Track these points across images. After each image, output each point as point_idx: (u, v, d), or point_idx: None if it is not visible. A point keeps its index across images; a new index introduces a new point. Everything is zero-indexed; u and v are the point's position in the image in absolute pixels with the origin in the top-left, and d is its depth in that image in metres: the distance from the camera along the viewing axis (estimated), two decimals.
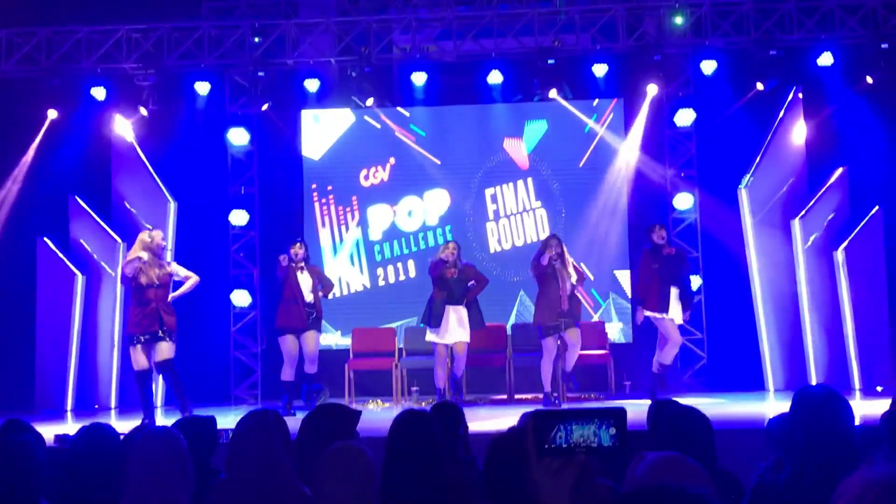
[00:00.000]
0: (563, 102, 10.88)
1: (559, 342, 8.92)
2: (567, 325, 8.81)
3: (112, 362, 10.32)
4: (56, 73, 10.36)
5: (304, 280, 9.10)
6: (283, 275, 9.03)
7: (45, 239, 10.38)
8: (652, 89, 10.50)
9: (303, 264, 9.12)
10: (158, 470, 3.10)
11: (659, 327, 8.88)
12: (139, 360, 8.24)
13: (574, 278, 8.88)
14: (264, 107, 10.57)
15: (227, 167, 11.20)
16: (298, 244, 9.19)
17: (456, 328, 9.09)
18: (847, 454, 2.94)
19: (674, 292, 8.83)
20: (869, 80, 10.00)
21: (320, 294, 9.22)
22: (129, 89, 10.49)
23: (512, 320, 10.73)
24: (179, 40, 10.55)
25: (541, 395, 9.11)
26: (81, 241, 10.48)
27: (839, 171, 10.19)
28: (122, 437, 3.85)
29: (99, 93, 10.41)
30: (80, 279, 10.24)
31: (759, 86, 10.11)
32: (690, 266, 9.56)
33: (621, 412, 1.77)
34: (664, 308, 8.77)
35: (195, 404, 8.75)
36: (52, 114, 10.41)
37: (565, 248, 8.99)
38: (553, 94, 10.43)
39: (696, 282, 10.67)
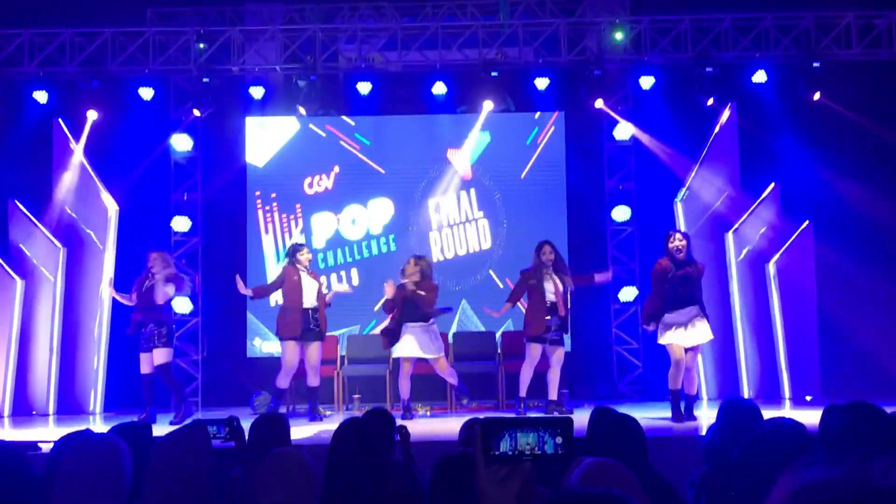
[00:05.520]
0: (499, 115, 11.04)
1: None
2: (553, 339, 8.79)
3: (51, 368, 10.18)
4: None
5: (310, 286, 9.15)
6: (281, 280, 9.12)
7: None
8: (592, 103, 10.71)
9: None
10: (90, 479, 3.04)
11: None
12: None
13: (560, 286, 8.80)
14: (196, 112, 10.58)
15: (169, 173, 11.15)
16: (307, 248, 9.38)
17: (414, 344, 8.94)
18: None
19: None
20: (817, 95, 10.30)
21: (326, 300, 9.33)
22: (72, 93, 10.41)
23: (454, 329, 10.84)
24: (124, 45, 10.49)
25: (486, 405, 9.17)
26: (21, 245, 10.34)
27: (771, 186, 10.45)
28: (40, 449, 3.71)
29: (41, 96, 10.32)
30: (19, 284, 10.10)
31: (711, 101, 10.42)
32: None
33: (568, 421, 1.80)
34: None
35: (133, 411, 8.75)
36: None
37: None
38: (489, 105, 10.59)
39: (632, 293, 10.90)
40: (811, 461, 1.18)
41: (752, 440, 3.21)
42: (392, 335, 9.08)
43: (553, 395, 8.94)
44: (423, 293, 8.92)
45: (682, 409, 8.35)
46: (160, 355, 8.99)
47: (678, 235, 8.43)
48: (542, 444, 1.77)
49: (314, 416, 9.03)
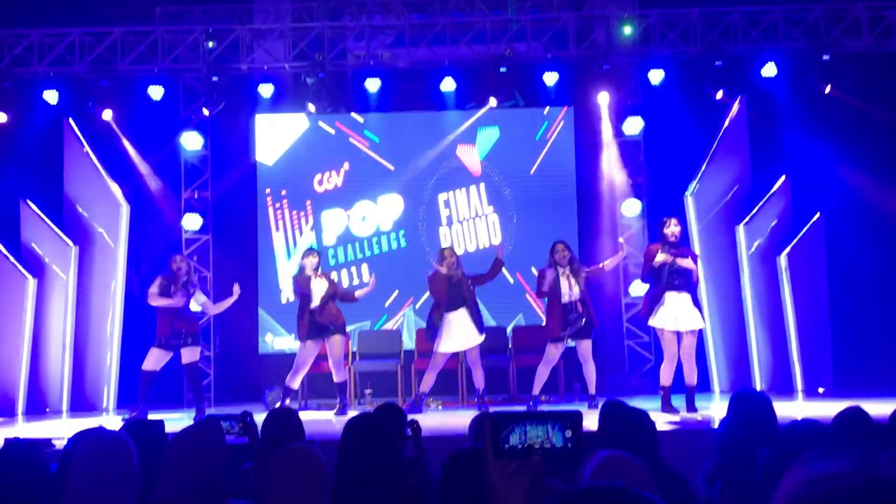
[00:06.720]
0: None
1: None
2: (579, 334, 8.72)
3: (63, 366, 10.23)
4: (8, 76, 10.29)
5: (318, 287, 9.13)
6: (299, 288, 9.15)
7: None
8: (601, 98, 10.70)
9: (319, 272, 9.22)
10: (103, 474, 3.03)
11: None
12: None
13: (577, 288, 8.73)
14: (205, 110, 10.62)
15: (180, 171, 11.18)
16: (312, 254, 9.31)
17: (459, 335, 8.86)
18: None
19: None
20: (828, 88, 10.26)
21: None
22: (82, 93, 10.44)
23: None
24: (133, 44, 10.51)
25: (497, 399, 9.16)
26: (33, 244, 10.38)
27: (782, 178, 10.41)
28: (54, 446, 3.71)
29: (51, 96, 10.34)
30: (31, 283, 10.14)
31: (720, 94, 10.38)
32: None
33: (577, 415, 1.81)
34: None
35: (147, 407, 8.77)
36: (2, 117, 10.32)
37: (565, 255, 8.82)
38: (493, 102, 10.59)
39: (643, 287, 10.85)
40: (819, 454, 1.18)
41: (777, 442, 3.20)
42: (433, 329, 8.97)
43: (591, 389, 8.88)
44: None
45: (686, 401, 8.28)
46: (191, 354, 9.07)
47: (674, 221, 8.40)
48: (550, 438, 1.78)
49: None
